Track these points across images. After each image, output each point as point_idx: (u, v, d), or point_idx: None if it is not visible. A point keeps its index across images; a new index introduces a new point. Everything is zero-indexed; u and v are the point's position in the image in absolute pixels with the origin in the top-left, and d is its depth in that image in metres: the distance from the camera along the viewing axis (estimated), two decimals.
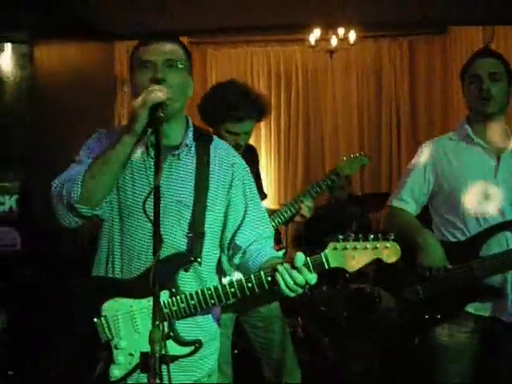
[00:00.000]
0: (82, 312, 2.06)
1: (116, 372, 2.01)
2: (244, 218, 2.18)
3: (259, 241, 2.18)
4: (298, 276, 1.86)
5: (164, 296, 1.99)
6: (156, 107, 1.90)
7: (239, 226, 2.18)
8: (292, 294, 1.91)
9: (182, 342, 2.05)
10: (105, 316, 2.04)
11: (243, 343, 3.46)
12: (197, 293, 1.99)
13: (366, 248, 1.89)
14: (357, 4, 5.80)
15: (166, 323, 1.98)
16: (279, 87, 8.18)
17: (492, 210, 2.71)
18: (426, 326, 2.81)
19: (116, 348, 2.02)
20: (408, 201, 2.93)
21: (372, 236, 1.91)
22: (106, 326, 2.03)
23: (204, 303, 1.99)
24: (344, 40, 6.58)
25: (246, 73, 8.21)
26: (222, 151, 2.20)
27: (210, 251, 2.17)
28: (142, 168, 2.12)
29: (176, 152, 2.11)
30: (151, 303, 1.91)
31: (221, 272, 2.28)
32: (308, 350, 4.04)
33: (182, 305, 1.99)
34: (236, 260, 2.19)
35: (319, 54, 7.17)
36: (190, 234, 2.06)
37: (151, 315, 1.90)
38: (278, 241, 3.36)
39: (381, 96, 7.90)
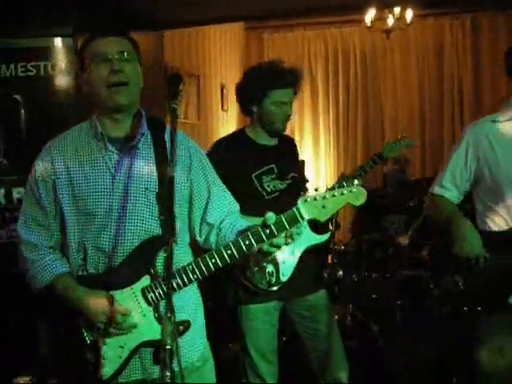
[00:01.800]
0: (67, 314, 2.06)
1: (107, 369, 2.00)
2: (209, 197, 2.23)
3: (230, 215, 2.24)
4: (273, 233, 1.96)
5: (145, 281, 2.02)
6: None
7: (206, 205, 2.22)
8: (272, 250, 2.00)
9: None
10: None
11: (290, 331, 3.40)
12: (178, 270, 2.01)
13: (333, 195, 1.95)
14: None
15: (151, 307, 2.01)
16: (337, 70, 8.09)
17: None
18: (465, 319, 2.69)
19: (104, 344, 2.01)
20: (449, 187, 2.79)
21: (337, 185, 1.99)
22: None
23: (187, 279, 2.01)
24: (401, 19, 6.39)
25: (303, 56, 8.16)
26: (176, 137, 2.10)
27: (182, 233, 2.20)
28: (102, 163, 2.10)
29: (133, 142, 2.11)
30: (134, 291, 2.00)
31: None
32: (357, 338, 3.95)
33: (162, 285, 2.01)
34: (212, 238, 2.22)
35: (377, 34, 7.03)
36: (162, 217, 2.08)
37: (137, 302, 2.00)
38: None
39: (442, 76, 7.67)
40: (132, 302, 2.00)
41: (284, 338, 3.89)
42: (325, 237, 3.24)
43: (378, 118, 7.95)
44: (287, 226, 1.94)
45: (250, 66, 3.28)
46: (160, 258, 2.05)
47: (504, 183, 2.59)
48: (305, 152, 8.26)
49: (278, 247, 1.99)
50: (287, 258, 3.08)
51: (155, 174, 2.09)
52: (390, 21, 6.43)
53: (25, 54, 3.68)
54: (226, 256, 1.99)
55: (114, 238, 2.05)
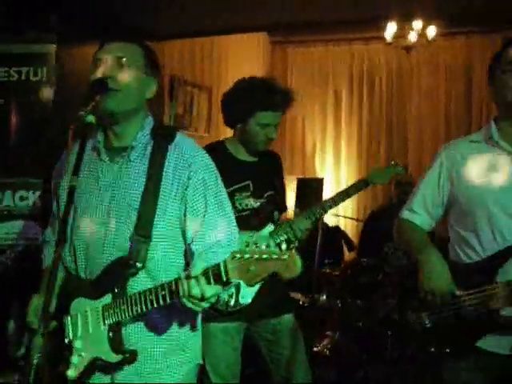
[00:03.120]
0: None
1: (71, 372, 1.95)
2: (203, 221, 2.03)
3: (213, 248, 2.01)
4: (193, 286, 1.71)
5: (107, 299, 1.93)
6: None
7: (196, 230, 2.03)
8: (195, 308, 1.77)
9: (117, 349, 1.93)
10: (70, 315, 2.00)
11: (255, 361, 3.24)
12: (133, 295, 1.89)
13: (263, 258, 1.63)
14: None
15: (105, 326, 1.92)
16: (361, 87, 7.92)
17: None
18: (432, 360, 2.45)
19: (74, 348, 1.96)
20: (419, 212, 2.56)
21: (272, 244, 1.66)
22: (69, 325, 2.00)
23: (135, 307, 1.87)
24: (423, 36, 6.18)
25: (327, 71, 8.05)
26: (180, 151, 2.04)
27: (167, 255, 2.03)
28: (93, 172, 2.06)
29: (124, 153, 2.02)
30: (101, 305, 1.93)
31: None
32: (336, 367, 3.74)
33: (123, 307, 1.89)
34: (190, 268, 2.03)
35: (403, 51, 6.80)
36: (135, 238, 1.96)
37: (98, 317, 1.93)
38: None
39: (470, 96, 7.36)
40: (95, 315, 1.95)
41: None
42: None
43: (401, 138, 7.73)
44: (211, 282, 1.70)
45: (242, 79, 3.14)
46: (136, 277, 1.97)
47: (477, 209, 2.36)
48: (326, 171, 8.10)
49: (198, 300, 1.75)
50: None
51: (141, 189, 1.99)
52: (413, 37, 6.21)
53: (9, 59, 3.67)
54: (160, 297, 1.82)
55: (99, 249, 2.00)
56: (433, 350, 2.41)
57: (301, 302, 4.29)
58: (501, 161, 2.35)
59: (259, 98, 2.91)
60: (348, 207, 7.92)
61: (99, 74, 1.96)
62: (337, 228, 6.84)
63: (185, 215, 2.03)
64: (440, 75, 7.45)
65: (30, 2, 3.60)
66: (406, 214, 2.62)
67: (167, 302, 1.81)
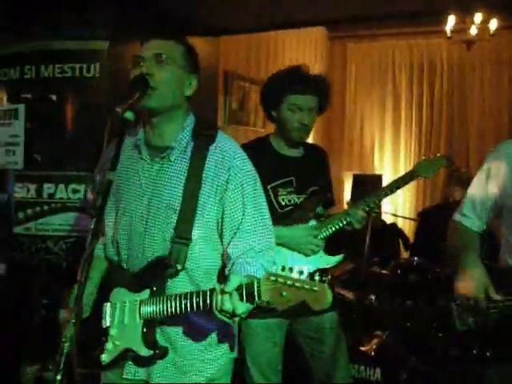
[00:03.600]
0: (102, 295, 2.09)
1: (104, 357, 1.99)
2: (239, 226, 2.03)
3: (249, 253, 2.02)
4: (226, 301, 1.73)
5: (145, 294, 1.96)
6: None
7: (233, 234, 2.04)
8: (225, 319, 1.81)
9: (148, 344, 1.96)
10: (110, 303, 2.04)
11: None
12: (170, 296, 1.90)
13: (294, 286, 1.67)
14: None
15: (141, 320, 1.95)
16: (422, 82, 7.76)
17: None
18: (474, 362, 2.38)
19: (109, 336, 2.00)
20: (469, 216, 2.51)
21: (306, 274, 1.70)
22: (108, 312, 2.03)
23: (170, 308, 1.89)
24: (485, 30, 5.98)
25: (387, 67, 7.92)
26: (221, 153, 2.04)
27: (205, 257, 2.05)
28: (135, 170, 2.08)
29: (164, 154, 2.03)
30: (139, 299, 1.96)
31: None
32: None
33: (159, 305, 1.92)
34: (226, 271, 2.05)
35: (464, 46, 6.60)
36: (175, 240, 1.98)
37: (135, 310, 1.95)
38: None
39: None
40: (132, 309, 1.98)
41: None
42: (337, 258, 3.04)
43: (463, 135, 7.54)
44: (244, 299, 1.71)
45: (277, 70, 3.15)
46: (176, 277, 2.00)
47: None
48: (385, 168, 7.98)
49: (229, 315, 1.77)
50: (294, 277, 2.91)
51: (181, 190, 2.00)
52: (473, 30, 6.02)
53: (62, 55, 3.77)
54: (195, 304, 1.83)
55: (139, 246, 2.04)
56: (475, 352, 2.35)
57: (349, 300, 4.23)
58: None
59: (287, 81, 2.91)
60: (406, 207, 7.80)
61: (138, 71, 1.97)
62: (393, 225, 6.75)
63: (222, 218, 2.03)
64: (504, 70, 7.22)
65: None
66: (457, 216, 2.58)
67: (200, 309, 1.82)
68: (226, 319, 1.80)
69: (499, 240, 2.47)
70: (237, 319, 1.80)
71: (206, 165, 2.01)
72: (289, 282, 1.67)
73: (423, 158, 3.22)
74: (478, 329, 2.33)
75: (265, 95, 3.06)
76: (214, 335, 2.09)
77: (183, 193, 1.98)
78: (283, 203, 2.97)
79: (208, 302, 1.79)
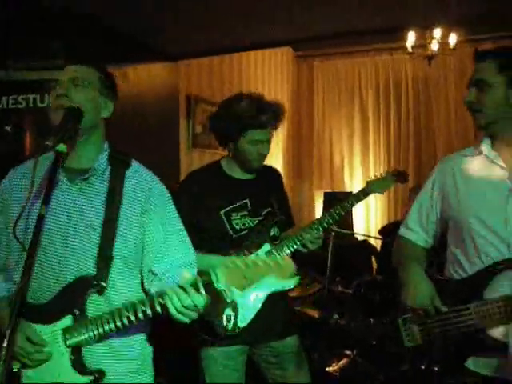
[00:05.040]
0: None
1: None
2: (161, 244, 2.09)
3: (176, 269, 2.06)
4: (184, 297, 1.75)
5: (67, 321, 1.92)
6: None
7: (157, 252, 2.08)
8: (184, 319, 1.80)
9: (81, 371, 1.92)
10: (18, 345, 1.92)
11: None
12: (105, 314, 1.89)
13: (256, 265, 1.64)
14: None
15: (69, 350, 1.90)
16: (388, 98, 7.83)
17: (499, 246, 2.19)
18: (422, 378, 2.37)
19: (25, 377, 1.93)
20: (414, 229, 2.50)
21: (266, 251, 1.68)
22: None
23: (101, 329, 1.88)
24: (445, 45, 6.06)
25: (353, 84, 7.99)
26: (139, 177, 2.12)
27: (124, 276, 2.05)
28: (54, 193, 2.02)
29: (85, 176, 2.05)
30: (57, 330, 1.90)
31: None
32: None
33: (90, 326, 1.89)
34: (153, 288, 2.05)
35: (426, 61, 6.67)
36: (97, 258, 1.98)
37: (57, 340, 1.89)
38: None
39: None
40: (53, 340, 1.91)
41: None
42: (292, 281, 3.01)
43: (430, 149, 7.61)
44: (201, 291, 1.75)
45: (227, 98, 3.11)
46: (91, 298, 1.96)
47: (464, 225, 2.28)
48: (354, 182, 8.01)
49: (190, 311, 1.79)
50: (248, 302, 2.88)
51: (101, 211, 2.01)
52: (434, 45, 6.09)
53: (16, 86, 3.74)
54: (140, 313, 1.83)
55: (55, 270, 1.99)
56: (423, 367, 2.34)
57: (314, 320, 4.22)
58: (489, 174, 2.27)
59: (247, 118, 2.87)
60: (378, 222, 7.82)
61: (56, 96, 2.01)
62: (365, 242, 6.75)
63: (143, 238, 2.07)
64: (465, 84, 7.26)
65: (30, 29, 3.65)
66: (402, 230, 2.57)
67: (147, 316, 1.83)
68: (183, 317, 1.80)
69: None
70: (195, 315, 1.80)
71: (125, 186, 2.06)
72: (249, 264, 1.65)
73: (375, 175, 3.26)
74: (425, 342, 2.33)
75: (219, 127, 3.00)
76: (138, 359, 2.09)
77: (105, 212, 2.01)
78: (237, 227, 2.94)
79: (158, 307, 1.80)
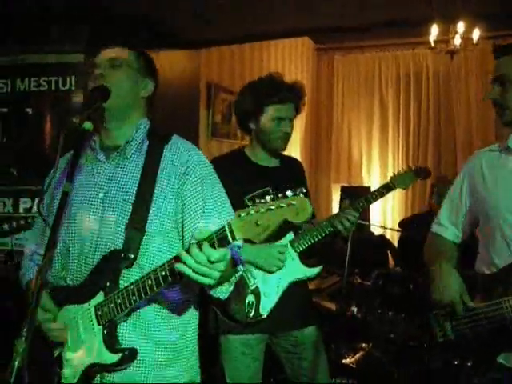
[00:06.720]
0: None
1: None
2: (201, 218, 1.98)
3: None
4: (197, 253, 1.63)
5: (99, 297, 1.87)
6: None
7: (198, 223, 1.98)
8: (203, 279, 1.67)
9: (113, 348, 1.86)
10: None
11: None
12: (121, 290, 1.83)
13: (269, 209, 1.54)
14: None
15: (101, 326, 1.85)
16: (409, 93, 7.78)
17: None
18: (455, 374, 2.33)
19: (65, 360, 1.91)
20: (446, 225, 2.50)
21: (280, 195, 1.56)
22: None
23: (128, 301, 1.81)
24: (468, 41, 5.99)
25: (373, 78, 7.93)
26: (177, 149, 2.05)
27: (162, 253, 1.97)
28: (90, 171, 2.05)
29: (119, 151, 2.02)
30: (93, 305, 1.87)
31: None
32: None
33: (118, 300, 1.83)
34: None
35: (448, 56, 6.60)
36: (128, 230, 1.93)
37: (91, 319, 1.86)
38: None
39: None
40: (87, 319, 1.88)
41: (272, 380, 3.61)
42: (316, 270, 3.00)
43: (450, 144, 7.55)
44: (216, 246, 1.62)
45: (247, 83, 3.10)
46: (127, 273, 1.91)
47: (494, 217, 2.26)
48: (372, 177, 7.96)
49: (206, 267, 1.65)
50: (270, 290, 2.87)
51: (136, 185, 1.97)
52: (456, 40, 6.02)
53: (37, 69, 3.74)
54: (161, 278, 1.73)
55: (92, 247, 1.96)
56: (456, 363, 2.31)
57: (331, 312, 4.19)
58: None
59: (266, 92, 2.88)
60: (395, 216, 7.77)
61: (93, 77, 2.00)
62: (382, 237, 6.70)
63: (182, 212, 1.99)
64: (489, 80, 7.18)
65: (57, 13, 3.65)
66: (434, 227, 2.57)
67: (168, 282, 1.74)
68: (203, 279, 1.67)
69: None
70: (215, 273, 1.67)
71: (162, 160, 2.01)
72: (262, 210, 1.55)
73: (398, 171, 3.24)
74: (457, 338, 2.30)
75: (241, 107, 3.01)
76: (173, 347, 2.01)
77: (138, 187, 1.96)
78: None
79: (176, 271, 1.69)
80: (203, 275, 1.67)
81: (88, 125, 1.83)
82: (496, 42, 6.71)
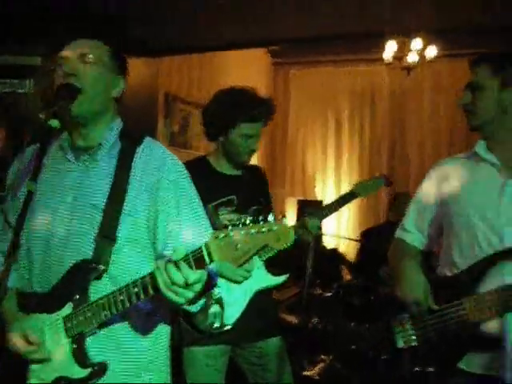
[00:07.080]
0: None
1: None
2: (176, 225, 1.90)
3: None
4: (175, 273, 1.56)
5: (68, 309, 1.78)
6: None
7: (169, 233, 1.90)
8: (177, 299, 1.60)
9: (82, 363, 1.78)
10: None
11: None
12: (99, 299, 1.74)
13: (249, 233, 1.47)
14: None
15: (69, 339, 1.76)
16: (363, 108, 7.88)
17: (491, 237, 2.22)
18: (418, 381, 2.33)
19: (31, 371, 1.80)
20: (411, 231, 2.51)
21: (261, 218, 1.49)
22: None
23: (103, 311, 1.72)
24: (423, 57, 6.11)
25: (329, 93, 8.01)
26: (150, 153, 1.94)
27: (133, 261, 1.89)
28: (58, 171, 1.94)
29: (90, 152, 1.92)
30: (61, 316, 1.78)
31: None
32: None
33: (88, 314, 1.75)
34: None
35: (404, 72, 6.72)
36: (98, 239, 1.83)
37: (59, 331, 1.77)
38: None
39: None
40: (54, 330, 1.79)
41: None
42: (281, 278, 2.98)
43: (404, 159, 7.66)
44: (193, 267, 1.55)
45: (220, 90, 3.05)
46: (97, 284, 1.81)
47: (460, 218, 2.30)
48: (327, 192, 8.01)
49: (182, 288, 1.59)
50: (235, 299, 2.82)
51: (107, 189, 1.86)
52: (411, 57, 6.13)
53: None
54: (133, 295, 1.66)
55: (58, 255, 1.85)
56: (417, 369, 2.31)
57: (292, 325, 4.15)
58: (482, 171, 2.31)
59: (242, 109, 2.83)
60: (349, 228, 7.83)
61: (61, 73, 1.86)
62: (334, 251, 6.72)
63: (155, 218, 1.89)
64: (442, 97, 7.36)
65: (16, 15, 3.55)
66: (398, 232, 2.58)
67: (140, 299, 1.67)
68: (178, 298, 1.60)
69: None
70: (190, 294, 1.61)
71: (134, 164, 1.90)
72: (242, 232, 1.48)
73: (361, 179, 3.28)
74: (421, 343, 2.32)
75: (212, 118, 2.95)
76: (143, 358, 1.92)
77: (109, 192, 1.86)
78: (224, 222, 2.87)
79: (150, 287, 1.63)
80: (176, 294, 1.60)
81: (55, 123, 1.72)
82: (450, 60, 6.91)
